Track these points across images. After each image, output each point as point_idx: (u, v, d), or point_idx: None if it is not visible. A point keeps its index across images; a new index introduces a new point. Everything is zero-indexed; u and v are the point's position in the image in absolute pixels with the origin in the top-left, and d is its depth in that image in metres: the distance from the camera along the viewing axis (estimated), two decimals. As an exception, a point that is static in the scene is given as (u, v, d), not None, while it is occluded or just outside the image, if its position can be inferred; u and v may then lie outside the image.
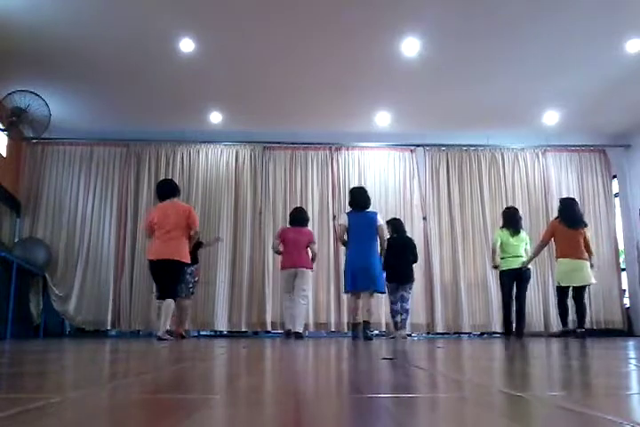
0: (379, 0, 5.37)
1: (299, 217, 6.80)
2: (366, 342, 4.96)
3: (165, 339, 5.36)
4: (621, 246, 8.47)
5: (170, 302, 5.52)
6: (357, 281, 5.83)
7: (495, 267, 6.88)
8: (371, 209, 6.18)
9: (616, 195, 8.66)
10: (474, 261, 8.18)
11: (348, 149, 8.55)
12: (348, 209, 6.26)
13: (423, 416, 0.90)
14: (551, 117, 8.01)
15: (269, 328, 7.84)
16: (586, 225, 6.67)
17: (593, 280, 6.48)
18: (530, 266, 6.78)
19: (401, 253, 6.88)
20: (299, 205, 7.54)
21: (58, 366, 2.05)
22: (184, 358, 2.51)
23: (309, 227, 7.02)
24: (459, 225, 8.28)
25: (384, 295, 6.88)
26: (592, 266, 6.48)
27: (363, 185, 7.63)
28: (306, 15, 5.62)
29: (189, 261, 5.79)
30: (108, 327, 7.81)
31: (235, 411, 0.95)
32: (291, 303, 6.44)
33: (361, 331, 5.86)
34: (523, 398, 1.09)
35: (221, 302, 7.84)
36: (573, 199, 6.93)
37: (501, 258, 6.75)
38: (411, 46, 6.16)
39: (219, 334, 8.02)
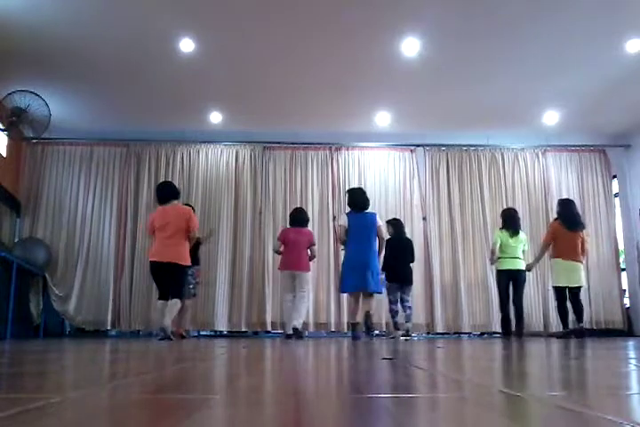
0: (379, 0, 5.37)
1: (299, 217, 6.81)
2: (366, 342, 4.96)
3: (168, 336, 5.37)
4: (621, 246, 8.46)
5: (176, 301, 5.58)
6: (357, 282, 5.82)
7: (493, 263, 6.97)
8: (370, 209, 6.18)
9: (616, 195, 8.66)
10: (474, 261, 8.18)
11: (347, 149, 8.55)
12: (348, 210, 6.26)
13: (423, 416, 0.90)
14: (551, 117, 8.01)
15: (269, 328, 7.84)
16: (584, 227, 6.77)
17: (584, 283, 6.73)
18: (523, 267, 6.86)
19: (402, 254, 6.91)
20: (299, 206, 7.55)
21: (58, 366, 2.05)
22: (184, 358, 2.51)
23: (309, 227, 7.04)
24: (459, 225, 8.27)
25: (384, 296, 6.90)
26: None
27: (362, 185, 7.66)
28: (306, 15, 5.62)
29: (190, 264, 5.81)
30: (108, 327, 7.80)
31: (235, 411, 0.95)
32: (291, 303, 6.50)
33: (360, 330, 5.86)
34: (522, 398, 1.09)
35: (221, 302, 7.84)
36: (571, 200, 6.98)
37: (499, 258, 6.80)
38: (411, 46, 6.15)
39: (219, 334, 8.02)
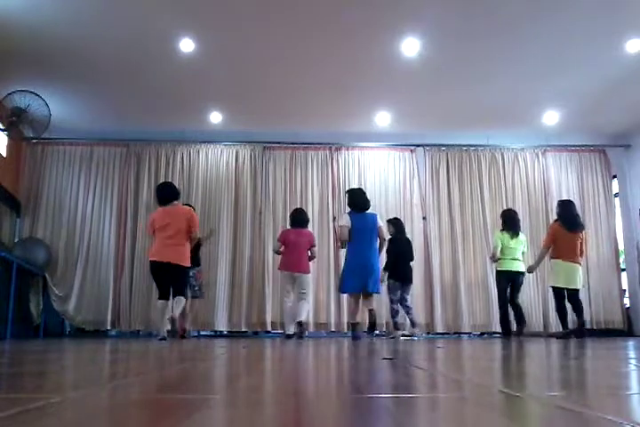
0: (379, 0, 5.37)
1: (299, 218, 6.82)
2: (366, 342, 4.96)
3: (175, 330, 5.46)
4: (621, 246, 8.46)
5: (182, 299, 5.65)
6: (358, 283, 5.82)
7: (494, 261, 6.98)
8: (370, 210, 6.18)
9: (616, 195, 8.66)
10: (474, 261, 8.18)
11: (348, 149, 8.55)
12: (348, 210, 6.25)
13: (423, 416, 0.90)
14: (551, 117, 8.01)
15: (269, 328, 7.84)
16: (584, 228, 6.80)
17: (581, 285, 6.73)
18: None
19: (403, 253, 6.95)
20: (299, 206, 7.55)
21: (58, 366, 2.05)
22: (184, 358, 2.51)
23: (309, 227, 7.03)
24: (459, 225, 8.27)
25: (384, 295, 6.91)
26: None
27: (362, 185, 7.68)
28: (306, 15, 5.62)
29: (190, 265, 5.82)
30: (108, 327, 7.80)
31: (235, 411, 0.95)
32: (291, 303, 6.52)
33: (361, 330, 5.87)
34: (522, 398, 1.09)
35: (221, 303, 7.84)
36: (571, 201, 6.98)
37: (499, 259, 6.81)
38: (411, 46, 6.15)
39: (219, 334, 8.02)
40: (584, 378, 1.56)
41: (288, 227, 6.98)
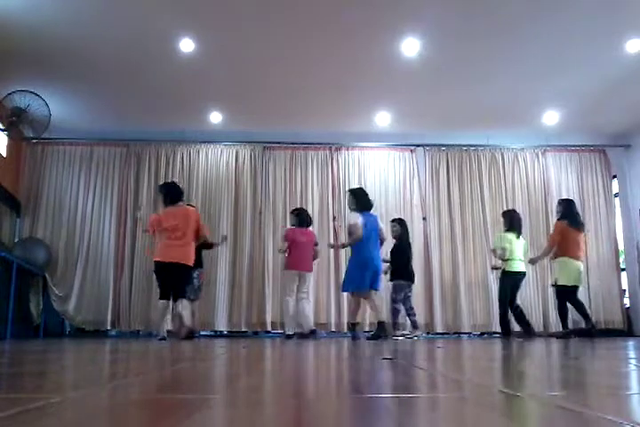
0: (379, 0, 5.37)
1: (304, 218, 6.83)
2: (366, 343, 4.96)
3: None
4: (621, 246, 8.46)
5: (186, 303, 5.68)
6: (363, 282, 5.86)
7: (496, 268, 6.96)
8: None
9: (616, 195, 8.66)
10: (474, 261, 8.17)
11: (348, 149, 8.54)
12: (348, 210, 6.26)
13: (423, 416, 0.90)
14: (551, 117, 8.01)
15: (269, 328, 7.84)
16: (584, 227, 6.85)
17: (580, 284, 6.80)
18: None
19: (408, 253, 7.00)
20: (299, 206, 7.54)
21: (58, 366, 2.05)
22: (184, 358, 2.51)
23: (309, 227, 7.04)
24: (459, 225, 8.27)
25: (384, 295, 6.91)
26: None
27: (362, 185, 7.65)
28: (306, 15, 5.62)
29: (193, 265, 5.84)
30: (108, 327, 7.80)
31: (235, 411, 0.95)
32: (293, 302, 6.52)
33: (361, 331, 5.88)
34: (522, 398, 1.09)
35: (221, 302, 7.84)
36: (572, 200, 7.00)
37: (507, 259, 6.75)
38: (411, 46, 6.15)
39: (219, 334, 8.01)
40: (584, 378, 1.56)
41: (288, 226, 6.97)
